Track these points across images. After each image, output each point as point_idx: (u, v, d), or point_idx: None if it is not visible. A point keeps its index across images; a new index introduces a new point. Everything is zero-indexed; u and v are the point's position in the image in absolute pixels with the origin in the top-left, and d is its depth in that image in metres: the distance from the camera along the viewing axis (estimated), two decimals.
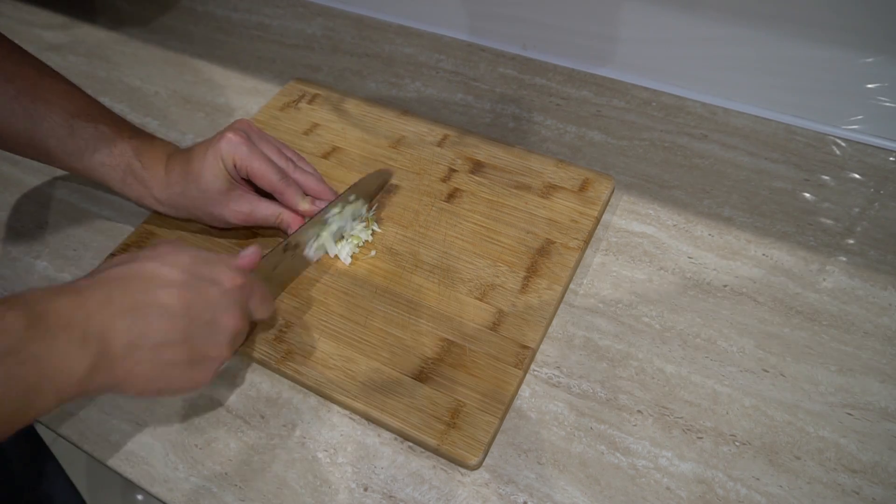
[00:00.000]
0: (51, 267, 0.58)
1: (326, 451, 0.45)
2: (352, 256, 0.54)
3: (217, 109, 0.71)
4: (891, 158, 0.59)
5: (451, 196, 0.58)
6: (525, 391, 0.47)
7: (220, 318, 0.41)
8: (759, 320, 0.50)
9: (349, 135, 0.64)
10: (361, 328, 0.49)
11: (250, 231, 0.56)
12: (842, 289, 0.51)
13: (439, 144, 0.62)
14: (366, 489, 0.43)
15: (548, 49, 0.72)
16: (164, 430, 0.47)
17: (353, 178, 0.57)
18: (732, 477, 0.42)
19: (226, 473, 0.45)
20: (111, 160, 0.52)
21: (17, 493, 0.68)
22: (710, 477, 0.43)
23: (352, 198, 0.53)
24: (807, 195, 0.57)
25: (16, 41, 0.54)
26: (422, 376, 0.46)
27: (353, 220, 0.55)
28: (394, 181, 0.59)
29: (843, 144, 0.61)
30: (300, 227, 0.51)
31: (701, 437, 0.44)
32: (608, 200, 0.57)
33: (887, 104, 0.58)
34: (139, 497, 1.26)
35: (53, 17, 0.85)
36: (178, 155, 0.53)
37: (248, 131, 0.52)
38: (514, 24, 0.71)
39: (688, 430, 0.45)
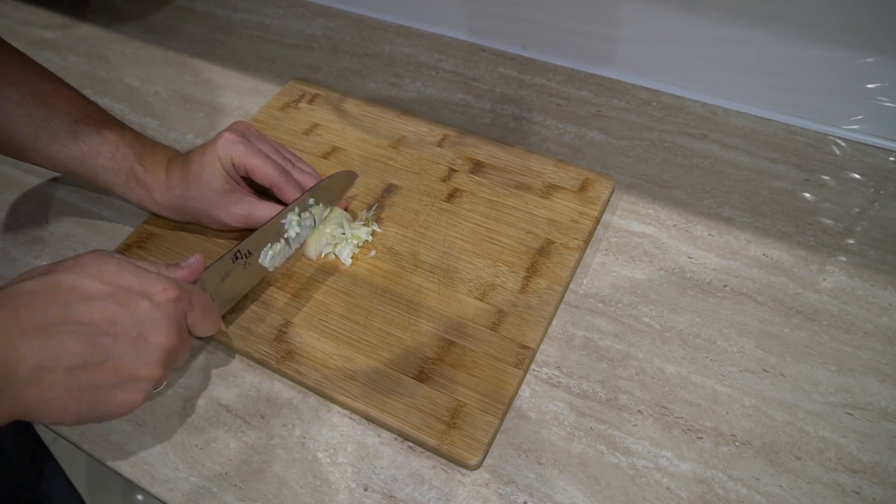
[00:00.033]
0: None
1: (326, 451, 0.45)
2: (352, 257, 0.54)
3: (217, 109, 0.71)
4: (891, 158, 0.59)
5: (451, 196, 0.58)
6: (525, 391, 0.47)
7: (150, 334, 0.37)
8: (759, 320, 0.50)
9: (349, 135, 0.64)
10: (361, 328, 0.49)
11: (250, 233, 0.56)
12: (842, 289, 0.51)
13: (439, 144, 0.62)
14: (366, 489, 0.43)
15: (548, 49, 0.72)
16: (164, 430, 0.47)
17: None
18: (732, 477, 0.42)
19: (226, 473, 0.45)
20: (114, 164, 0.52)
21: (17, 493, 0.68)
22: (710, 477, 0.43)
23: (311, 202, 0.52)
24: (807, 195, 0.57)
25: (15, 41, 0.54)
26: (422, 376, 0.46)
27: (318, 224, 0.53)
28: (394, 181, 0.59)
29: (843, 144, 0.61)
30: (251, 234, 0.48)
31: (701, 437, 0.44)
32: (608, 200, 0.57)
33: (887, 104, 0.58)
34: (139, 497, 1.26)
35: (53, 17, 0.85)
36: (179, 158, 0.53)
37: (245, 132, 0.52)
38: (514, 24, 0.71)
39: (688, 430, 0.45)
